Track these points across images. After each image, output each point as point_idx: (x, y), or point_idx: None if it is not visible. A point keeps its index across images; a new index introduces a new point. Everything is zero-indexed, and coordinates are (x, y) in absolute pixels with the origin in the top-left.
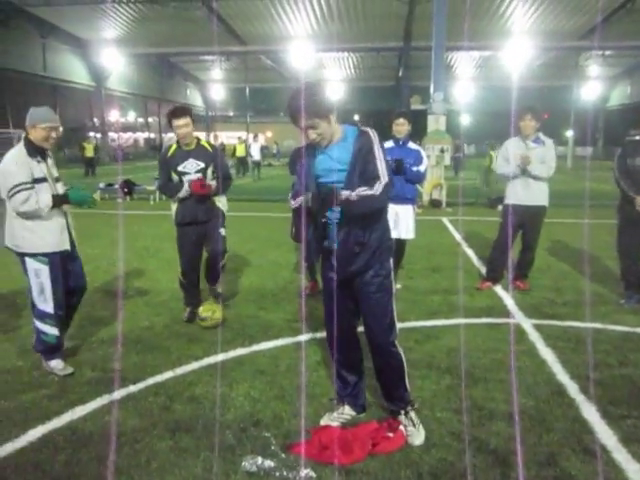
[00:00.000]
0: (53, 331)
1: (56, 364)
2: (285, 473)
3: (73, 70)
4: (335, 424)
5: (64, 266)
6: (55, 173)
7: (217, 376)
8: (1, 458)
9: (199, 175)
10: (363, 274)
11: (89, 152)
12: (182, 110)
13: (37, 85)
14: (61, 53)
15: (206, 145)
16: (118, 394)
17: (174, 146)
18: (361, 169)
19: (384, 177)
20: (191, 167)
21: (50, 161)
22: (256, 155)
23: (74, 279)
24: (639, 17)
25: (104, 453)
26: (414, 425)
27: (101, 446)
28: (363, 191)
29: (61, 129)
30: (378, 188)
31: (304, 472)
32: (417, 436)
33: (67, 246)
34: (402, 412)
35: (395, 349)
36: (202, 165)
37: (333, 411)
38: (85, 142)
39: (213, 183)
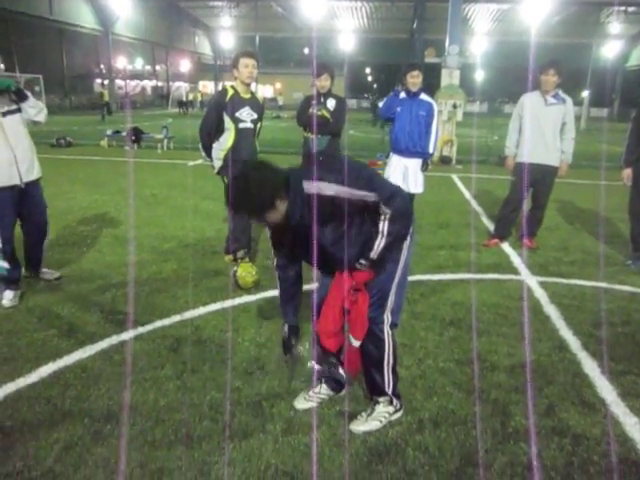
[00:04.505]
0: (2, 264)
1: (7, 295)
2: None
3: (80, 14)
4: (312, 404)
5: (18, 202)
6: (6, 107)
7: (224, 321)
8: (14, 392)
9: (252, 126)
10: None
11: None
12: (252, 52)
13: (43, 29)
14: None
15: (258, 97)
16: (126, 335)
17: (231, 91)
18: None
19: (377, 196)
20: (247, 116)
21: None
22: None
23: (28, 214)
24: None
25: (113, 390)
26: (368, 415)
27: (110, 383)
28: (385, 236)
29: (2, 66)
30: (385, 213)
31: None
32: (360, 424)
33: (16, 180)
34: (371, 397)
35: (377, 330)
36: (255, 116)
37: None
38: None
39: None
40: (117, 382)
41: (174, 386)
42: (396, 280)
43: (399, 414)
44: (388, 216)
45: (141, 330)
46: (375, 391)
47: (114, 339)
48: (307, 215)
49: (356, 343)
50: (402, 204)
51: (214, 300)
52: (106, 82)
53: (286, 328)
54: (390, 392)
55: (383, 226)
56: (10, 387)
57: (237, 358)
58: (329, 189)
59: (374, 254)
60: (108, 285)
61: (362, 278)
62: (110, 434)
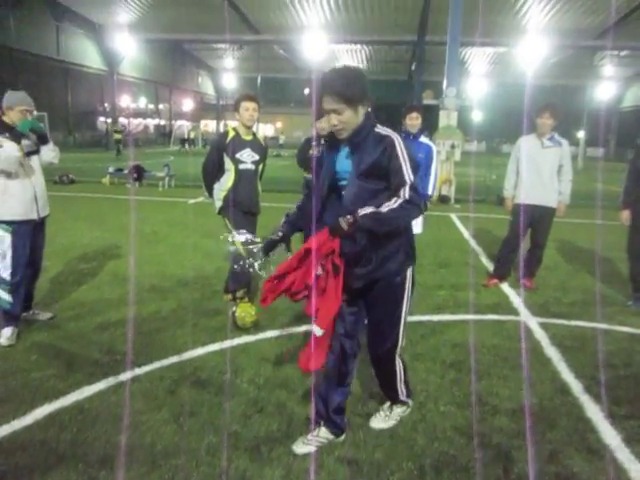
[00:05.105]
0: (6, 297)
1: (5, 333)
2: None
3: (86, 54)
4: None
5: (31, 236)
6: (30, 148)
7: (222, 362)
8: (9, 434)
9: (253, 167)
10: (373, 278)
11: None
12: (253, 96)
13: (50, 68)
14: (75, 37)
15: (260, 139)
16: (124, 376)
17: (232, 133)
18: (385, 175)
19: (409, 178)
20: (247, 157)
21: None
22: None
23: (32, 250)
24: None
25: (110, 433)
26: (387, 415)
27: (107, 426)
28: (384, 207)
29: (35, 113)
30: (403, 196)
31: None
32: (378, 421)
33: (34, 216)
34: (390, 401)
35: (390, 361)
36: (257, 157)
37: (307, 433)
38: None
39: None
40: (113, 425)
41: (171, 429)
42: (403, 314)
43: (411, 407)
44: (400, 201)
45: (138, 371)
46: (391, 399)
47: (111, 380)
48: (358, 147)
49: (318, 332)
50: (418, 203)
51: (213, 340)
52: (109, 120)
53: (275, 234)
54: (404, 399)
55: (390, 204)
56: (5, 429)
57: (235, 400)
58: (396, 139)
59: (362, 212)
60: (107, 324)
61: (327, 246)
62: (104, 479)
